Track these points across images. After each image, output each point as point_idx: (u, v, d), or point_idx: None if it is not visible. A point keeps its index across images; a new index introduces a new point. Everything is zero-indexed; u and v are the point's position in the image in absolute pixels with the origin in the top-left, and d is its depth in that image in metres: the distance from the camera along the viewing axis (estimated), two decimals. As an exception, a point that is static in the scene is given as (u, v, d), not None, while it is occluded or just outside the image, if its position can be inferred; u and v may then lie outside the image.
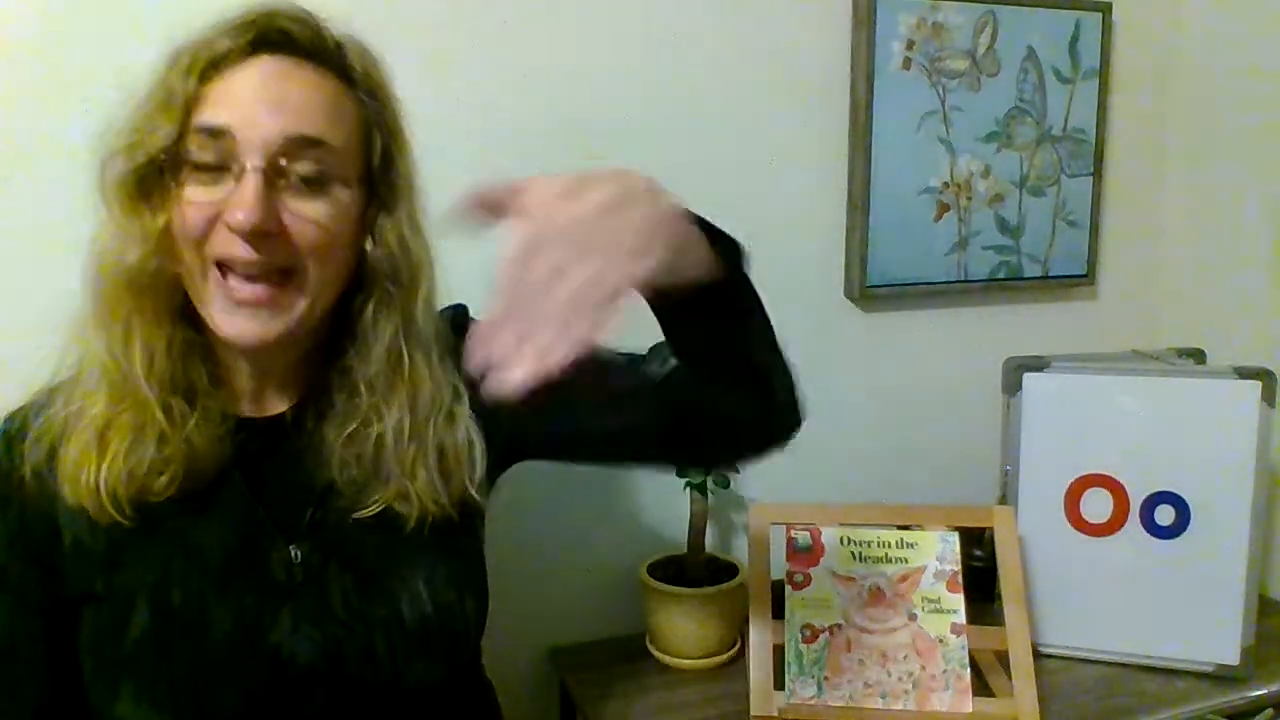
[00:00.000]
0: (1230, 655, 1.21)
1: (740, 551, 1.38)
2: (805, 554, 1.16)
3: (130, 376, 0.72)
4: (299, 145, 0.69)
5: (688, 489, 1.28)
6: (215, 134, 0.69)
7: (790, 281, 1.41)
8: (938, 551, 1.15)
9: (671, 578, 1.26)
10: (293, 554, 0.77)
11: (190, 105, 0.69)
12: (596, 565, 1.36)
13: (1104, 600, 1.25)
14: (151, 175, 0.70)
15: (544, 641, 1.33)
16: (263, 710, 0.75)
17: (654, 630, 1.28)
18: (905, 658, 1.11)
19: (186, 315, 0.74)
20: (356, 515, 0.78)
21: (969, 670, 1.11)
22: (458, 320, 0.88)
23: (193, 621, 0.74)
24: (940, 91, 1.44)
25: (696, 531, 1.28)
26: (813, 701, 1.11)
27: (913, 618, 1.13)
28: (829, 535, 1.17)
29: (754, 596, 1.16)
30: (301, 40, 0.72)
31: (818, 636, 1.13)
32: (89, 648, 0.76)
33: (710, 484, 1.27)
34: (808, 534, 1.17)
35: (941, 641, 1.12)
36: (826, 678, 1.11)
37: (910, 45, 1.40)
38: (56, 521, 0.75)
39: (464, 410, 0.81)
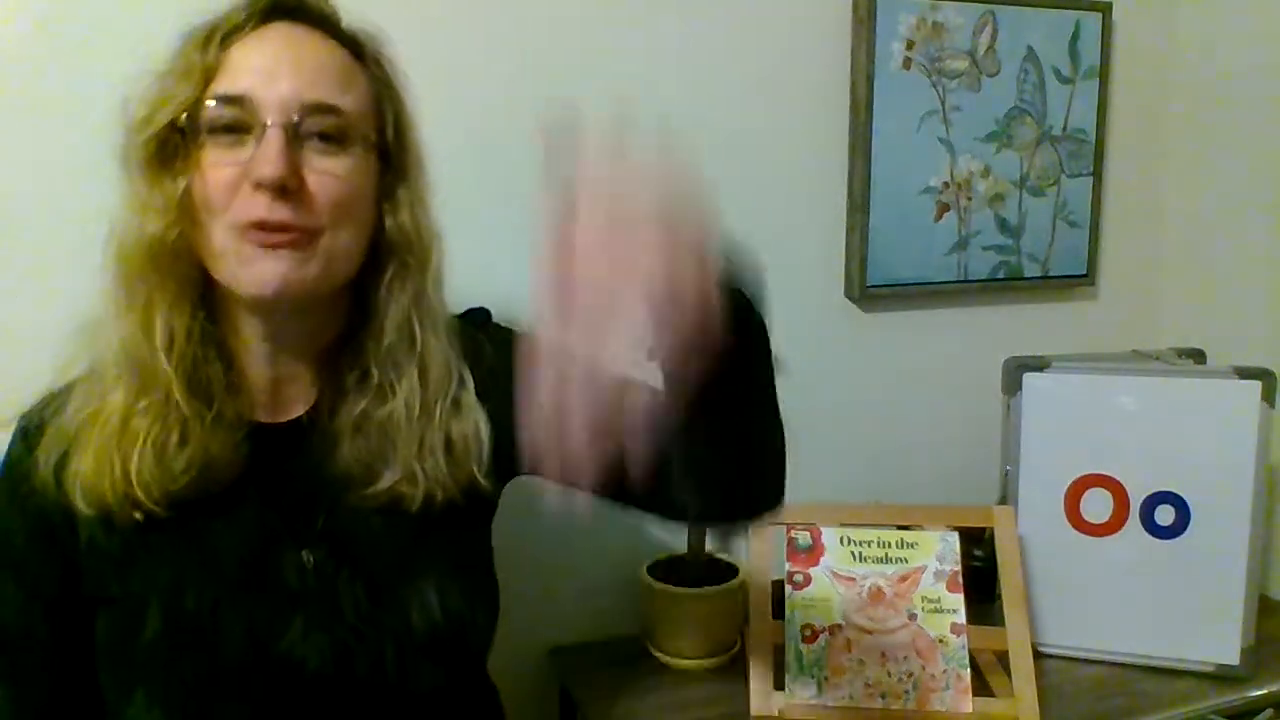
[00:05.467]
0: (1230, 655, 1.21)
1: (740, 551, 1.38)
2: (805, 554, 1.16)
3: (152, 357, 0.71)
4: (314, 110, 0.71)
5: (688, 489, 1.28)
6: (234, 101, 0.70)
7: (790, 281, 1.41)
8: (938, 551, 1.15)
9: (671, 578, 1.26)
10: (305, 559, 0.77)
11: (209, 74, 0.71)
12: (596, 565, 1.35)
13: (1104, 600, 1.25)
14: (172, 140, 0.71)
15: (544, 642, 1.33)
16: (271, 715, 0.75)
17: (654, 630, 1.28)
18: (905, 658, 1.11)
19: (205, 304, 0.75)
20: (366, 494, 0.78)
21: (969, 670, 1.11)
22: (477, 319, 0.90)
23: (205, 627, 0.74)
24: (940, 91, 1.44)
25: (696, 531, 1.28)
26: (813, 701, 1.11)
27: (913, 618, 1.13)
28: (829, 535, 1.17)
29: (754, 596, 1.16)
30: (313, 9, 0.75)
31: (818, 636, 1.13)
32: (105, 650, 0.76)
33: (710, 484, 1.27)
34: (808, 534, 1.17)
35: (941, 641, 1.12)
36: (826, 678, 1.11)
37: (910, 45, 1.40)
38: (74, 519, 0.75)
39: (470, 400, 0.81)
